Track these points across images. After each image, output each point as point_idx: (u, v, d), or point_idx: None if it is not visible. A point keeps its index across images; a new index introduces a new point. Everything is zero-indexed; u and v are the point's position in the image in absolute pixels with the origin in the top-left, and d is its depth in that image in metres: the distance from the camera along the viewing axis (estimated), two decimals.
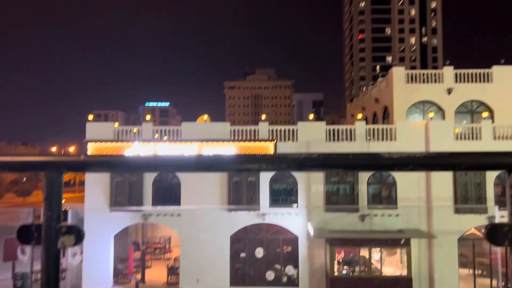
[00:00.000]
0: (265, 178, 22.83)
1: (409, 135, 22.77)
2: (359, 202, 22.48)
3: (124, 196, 22.93)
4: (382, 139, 23.02)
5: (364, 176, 22.58)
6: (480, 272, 22.79)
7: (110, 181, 23.05)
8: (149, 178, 23.12)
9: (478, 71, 27.37)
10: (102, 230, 22.06)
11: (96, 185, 23.12)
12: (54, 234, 1.06)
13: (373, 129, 23.47)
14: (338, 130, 23.52)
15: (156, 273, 24.67)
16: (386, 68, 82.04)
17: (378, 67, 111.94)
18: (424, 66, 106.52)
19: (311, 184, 22.82)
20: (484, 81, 27.13)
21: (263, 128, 23.63)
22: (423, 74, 28.14)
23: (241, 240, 22.98)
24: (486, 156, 1.10)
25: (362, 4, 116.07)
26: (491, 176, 21.84)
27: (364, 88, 61.03)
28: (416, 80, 27.81)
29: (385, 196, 23.04)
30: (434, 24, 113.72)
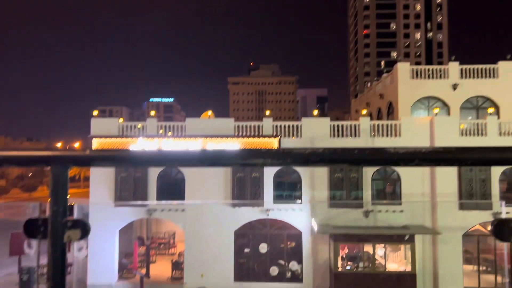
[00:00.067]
0: (269, 173, 22.84)
1: (414, 131, 22.68)
2: (363, 198, 22.44)
3: (128, 191, 23.04)
4: (387, 135, 22.95)
5: (368, 172, 22.54)
6: (484, 268, 22.73)
7: (114, 176, 23.15)
8: (153, 174, 23.20)
9: (483, 66, 27.18)
10: (107, 225, 22.18)
11: (101, 180, 23.23)
12: (60, 228, 1.06)
13: (378, 125, 23.39)
14: (342, 126, 23.46)
15: (161, 268, 24.81)
16: (391, 64, 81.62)
17: (382, 63, 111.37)
18: (429, 61, 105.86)
19: (315, 180, 22.81)
20: (490, 76, 26.95)
21: (267, 124, 23.61)
22: (428, 70, 27.98)
23: (245, 236, 23.04)
24: (493, 151, 1.09)
25: None
26: (496, 172, 21.74)
27: (369, 84, 60.82)
28: (421, 75, 27.66)
29: (389, 192, 23.00)
30: (439, 19, 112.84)
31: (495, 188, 21.87)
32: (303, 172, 22.76)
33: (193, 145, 22.79)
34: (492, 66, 26.99)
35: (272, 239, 23.02)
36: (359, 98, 42.66)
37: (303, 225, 22.51)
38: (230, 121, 24.05)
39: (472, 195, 21.98)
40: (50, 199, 1.08)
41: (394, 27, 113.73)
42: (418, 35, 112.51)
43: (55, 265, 1.06)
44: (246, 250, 22.96)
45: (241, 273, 22.70)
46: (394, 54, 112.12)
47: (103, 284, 22.32)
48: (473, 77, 27.07)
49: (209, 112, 33.97)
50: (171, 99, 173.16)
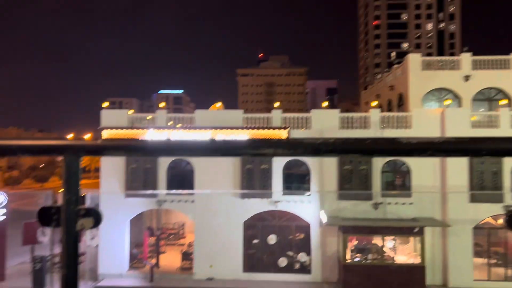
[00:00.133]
0: (278, 165, 22.85)
1: (425, 123, 22.47)
2: (373, 190, 22.35)
3: (138, 182, 23.24)
4: (397, 127, 22.77)
5: (378, 164, 22.43)
6: (495, 261, 22.58)
7: (125, 168, 23.36)
8: (163, 165, 23.35)
9: (496, 57, 26.73)
10: (117, 215, 22.43)
11: (112, 172, 23.46)
12: (73, 216, 1.08)
13: (388, 117, 23.21)
14: (352, 118, 23.32)
15: (170, 258, 25.07)
16: (401, 55, 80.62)
17: (393, 54, 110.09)
18: (441, 52, 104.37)
19: (324, 172, 22.76)
20: (502, 68, 26.50)
21: (276, 115, 23.57)
22: (440, 61, 27.61)
23: (254, 227, 23.14)
24: (507, 142, 1.07)
25: None
26: (508, 164, 21.48)
27: (379, 75, 60.21)
28: (432, 67, 27.30)
29: (399, 185, 22.88)
30: (452, 9, 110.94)
31: (507, 180, 21.63)
32: (312, 164, 22.72)
33: (202, 136, 22.85)
34: (505, 57, 26.53)
35: (280, 230, 23.09)
36: (369, 90, 42.31)
37: (312, 217, 22.53)
38: (239, 113, 24.04)
39: (483, 188, 21.78)
40: (63, 188, 1.09)
41: (405, 17, 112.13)
42: (429, 26, 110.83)
43: (69, 253, 1.07)
44: (255, 241, 23.08)
45: (250, 264, 22.85)
46: (405, 45, 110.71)
47: (114, 273, 22.64)
48: (486, 68, 26.65)
49: (218, 104, 33.99)
50: (181, 91, 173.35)
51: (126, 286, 21.78)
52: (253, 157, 22.65)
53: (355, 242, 22.10)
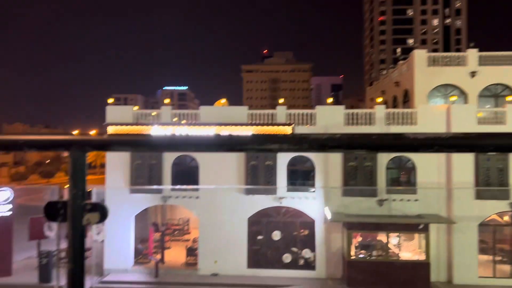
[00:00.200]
0: (283, 162, 22.84)
1: (430, 119, 22.36)
2: (378, 186, 22.31)
3: (143, 178, 23.33)
4: (402, 123, 22.67)
5: (383, 161, 22.36)
6: (500, 258, 22.49)
7: (130, 164, 23.46)
8: (168, 161, 23.42)
9: (503, 53, 26.51)
10: (123, 211, 22.54)
11: (117, 167, 23.56)
12: (79, 211, 1.08)
13: (393, 113, 23.11)
14: (357, 114, 23.25)
15: (175, 254, 25.18)
16: (407, 51, 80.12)
17: (398, 50, 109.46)
18: (447, 48, 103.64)
19: (328, 169, 22.73)
20: (509, 64, 26.29)
21: (281, 112, 23.54)
22: (446, 57, 27.41)
23: (259, 223, 23.18)
24: None
25: None
26: None
27: (384, 72, 59.92)
28: (438, 63, 27.13)
29: (404, 181, 22.80)
30: (458, 4, 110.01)
31: None
32: (317, 160, 22.70)
33: (207, 133, 22.85)
34: None
35: (285, 226, 23.12)
36: (374, 86, 42.13)
37: (316, 213, 22.53)
38: (244, 109, 24.04)
39: (489, 185, 21.67)
40: (69, 182, 1.09)
41: (411, 13, 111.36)
42: (435, 22, 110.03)
43: (75, 247, 1.08)
44: (259, 237, 23.12)
45: (254, 260, 22.91)
46: (410, 41, 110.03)
47: (120, 268, 22.79)
48: (492, 64, 26.43)
49: (223, 100, 33.99)
50: (185, 87, 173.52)
51: (131, 281, 21.92)
52: (257, 154, 22.64)
53: (359, 239, 22.10)
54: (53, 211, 1.12)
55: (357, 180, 22.43)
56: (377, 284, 20.18)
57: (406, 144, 1.07)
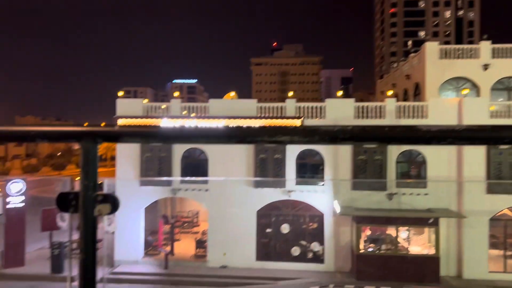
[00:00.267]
0: (292, 155, 22.81)
1: (442, 112, 22.11)
2: (387, 181, 22.19)
3: (153, 171, 23.49)
4: (413, 117, 22.46)
5: (393, 154, 22.22)
6: (511, 253, 22.30)
7: (140, 156, 23.62)
8: (177, 154, 23.53)
9: None
10: (133, 203, 22.74)
11: (127, 160, 23.75)
12: (91, 202, 1.09)
13: (404, 106, 22.89)
14: (367, 107, 23.08)
15: (185, 246, 25.38)
16: (418, 43, 79.12)
17: (410, 42, 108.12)
18: (459, 41, 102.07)
19: (338, 162, 22.65)
20: None
21: (290, 105, 23.46)
22: (458, 49, 27.02)
23: (268, 216, 23.24)
24: None
25: None
26: None
27: (395, 64, 59.29)
28: (450, 55, 26.76)
29: (414, 175, 22.64)
30: None
31: None
32: (326, 154, 22.63)
33: (216, 126, 22.88)
34: None
35: (294, 220, 23.14)
36: (384, 79, 41.75)
37: (325, 206, 22.51)
38: (253, 102, 24.01)
39: (500, 179, 21.42)
40: (80, 174, 1.10)
41: (423, 5, 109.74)
42: (448, 14, 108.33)
43: (87, 238, 1.09)
44: (268, 230, 23.19)
45: (263, 253, 23.00)
46: (422, 34, 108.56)
47: (130, 260, 23.06)
48: (506, 57, 26.01)
49: (232, 93, 33.99)
50: (194, 80, 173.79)
51: (141, 272, 22.17)
52: (266, 147, 22.65)
53: (368, 232, 22.05)
54: (65, 202, 1.12)
55: (367, 174, 22.32)
56: (386, 278, 20.15)
57: (418, 136, 1.06)
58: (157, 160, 23.59)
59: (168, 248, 24.21)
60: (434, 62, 26.59)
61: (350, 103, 23.30)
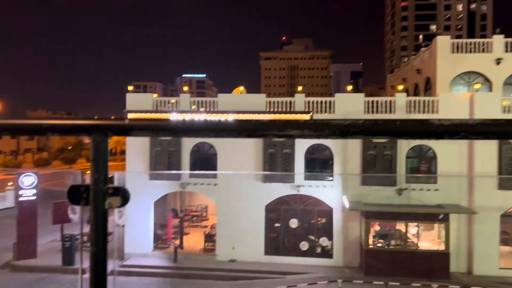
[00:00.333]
0: (301, 150, 22.77)
1: (453, 107, 21.86)
2: (397, 176, 22.04)
3: (163, 165, 23.64)
4: (424, 112, 22.25)
5: (403, 149, 22.05)
6: None
7: (149, 150, 23.76)
8: (186, 149, 23.63)
9: None
10: (142, 197, 22.92)
11: (136, 155, 23.91)
12: (101, 195, 1.09)
13: (414, 101, 22.67)
14: (377, 102, 22.90)
15: (194, 239, 25.55)
16: (429, 37, 78.12)
17: (421, 36, 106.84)
18: (471, 35, 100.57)
19: (347, 157, 22.55)
20: None
21: (299, 99, 23.37)
22: (470, 43, 26.64)
23: (276, 211, 23.26)
24: None
25: None
26: None
27: (406, 59, 58.64)
28: (462, 49, 26.40)
29: (424, 171, 22.46)
30: None
31: None
32: (335, 148, 22.54)
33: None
34: None
35: (302, 214, 23.14)
36: (395, 74, 41.36)
37: (334, 201, 22.45)
38: (262, 97, 23.96)
39: None
40: (91, 167, 1.10)
41: None
42: (460, 7, 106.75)
43: (97, 230, 1.09)
44: (277, 224, 23.22)
45: (271, 247, 23.06)
46: (433, 27, 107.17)
47: (140, 253, 23.28)
48: None
49: (241, 88, 33.94)
50: (204, 75, 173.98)
51: (151, 265, 22.38)
52: (275, 142, 22.62)
53: (377, 228, 21.96)
54: (76, 194, 1.13)
55: (376, 169, 22.20)
56: (395, 273, 20.08)
57: (431, 130, 1.04)
58: (166, 155, 23.72)
59: (177, 242, 24.38)
60: (446, 56, 26.26)
61: (360, 97, 23.14)
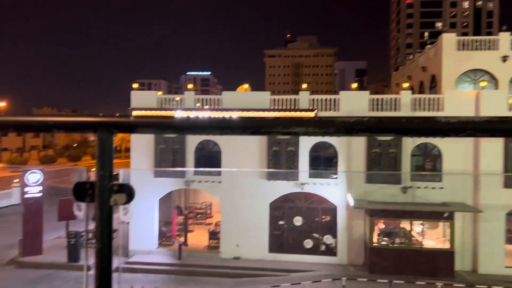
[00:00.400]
0: (305, 148, 22.74)
1: (458, 105, 21.74)
2: (402, 174, 21.97)
3: (167, 162, 23.69)
4: (429, 109, 22.14)
5: (408, 148, 21.97)
6: None
7: (154, 148, 23.82)
8: (191, 146, 23.67)
9: None
10: (147, 194, 23.00)
11: (141, 152, 23.98)
12: (106, 192, 1.10)
13: (420, 99, 22.56)
14: (382, 100, 22.81)
15: (198, 237, 25.62)
16: (435, 35, 77.60)
17: (426, 34, 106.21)
18: (477, 32, 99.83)
19: (352, 155, 22.50)
20: None
21: (304, 97, 23.33)
22: (476, 41, 26.44)
23: (280, 208, 23.27)
24: None
25: None
26: None
27: (411, 56, 58.36)
28: (468, 47, 26.21)
29: (429, 169, 22.36)
30: None
31: None
32: (340, 146, 22.49)
33: None
34: None
35: (306, 212, 23.13)
36: (400, 71, 41.16)
37: (339, 199, 22.42)
38: (266, 95, 23.94)
39: None
40: (96, 163, 1.11)
41: None
42: (466, 4, 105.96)
43: (103, 227, 1.10)
44: (281, 222, 23.23)
45: (275, 245, 23.08)
46: (439, 25, 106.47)
47: (144, 250, 23.38)
48: None
49: (245, 86, 33.92)
50: (208, 73, 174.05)
51: (155, 262, 22.47)
52: (279, 139, 22.61)
53: (382, 226, 21.92)
54: (81, 191, 1.14)
55: (381, 167, 22.13)
56: (399, 271, 20.03)
57: (437, 128, 1.03)
58: (171, 152, 23.77)
59: (182, 239, 24.45)
60: (451, 53, 26.09)
61: (365, 95, 23.06)
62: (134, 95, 24.57)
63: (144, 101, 24.23)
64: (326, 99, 23.28)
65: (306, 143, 22.62)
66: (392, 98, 22.91)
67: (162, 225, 25.08)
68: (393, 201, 21.28)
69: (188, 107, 23.84)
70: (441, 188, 21.50)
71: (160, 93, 25.86)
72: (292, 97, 23.66)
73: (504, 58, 25.42)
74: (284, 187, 22.88)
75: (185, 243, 24.22)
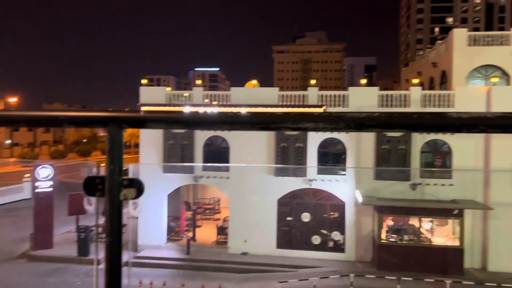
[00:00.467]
0: (313, 144, 22.67)
1: (469, 101, 21.48)
2: (411, 170, 21.81)
3: (176, 158, 23.81)
4: (439, 106, 21.92)
5: (417, 144, 21.79)
6: None
7: (163, 143, 23.94)
8: (199, 142, 23.74)
9: None
10: (156, 190, 23.14)
11: (150, 148, 24.12)
12: (116, 186, 1.10)
13: (430, 95, 22.34)
14: (391, 96, 22.63)
15: (206, 232, 25.73)
16: (445, 30, 76.64)
17: (437, 29, 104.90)
18: (489, 27, 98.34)
19: (360, 151, 22.38)
20: None
21: (312, 93, 23.23)
22: (488, 36, 26.09)
23: (288, 204, 23.27)
24: None
25: None
26: None
27: (421, 52, 57.78)
28: (479, 42, 25.87)
29: (439, 166, 22.17)
30: None
31: None
32: (349, 142, 22.39)
33: None
34: None
35: (315, 208, 23.10)
36: (410, 67, 40.78)
37: (347, 196, 22.35)
38: (275, 90, 23.88)
39: None
40: (106, 158, 1.11)
41: None
42: None
43: (113, 221, 1.11)
44: (289, 218, 23.23)
45: (283, 241, 23.10)
46: (450, 20, 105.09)
47: (153, 245, 23.55)
48: None
49: (254, 81, 33.88)
50: (217, 69, 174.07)
51: (164, 257, 22.63)
52: (288, 135, 22.57)
53: (390, 223, 21.81)
54: (91, 186, 1.14)
55: (390, 163, 21.99)
56: (407, 268, 19.95)
57: (448, 123, 1.02)
58: (179, 148, 23.87)
59: (190, 234, 24.59)
60: (462, 49, 25.77)
61: (374, 91, 22.89)
62: (143, 91, 24.68)
63: (153, 96, 24.33)
64: (334, 95, 23.17)
65: (314, 139, 22.55)
66: (402, 94, 22.72)
67: (171, 220, 25.23)
68: (402, 198, 21.16)
69: (196, 103, 23.89)
70: (451, 185, 21.31)
71: (169, 88, 25.97)
72: (301, 93, 23.58)
73: None
74: (292, 183, 22.86)
75: (193, 238, 24.34)
